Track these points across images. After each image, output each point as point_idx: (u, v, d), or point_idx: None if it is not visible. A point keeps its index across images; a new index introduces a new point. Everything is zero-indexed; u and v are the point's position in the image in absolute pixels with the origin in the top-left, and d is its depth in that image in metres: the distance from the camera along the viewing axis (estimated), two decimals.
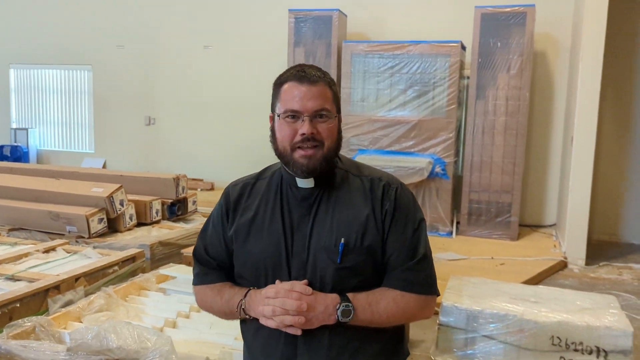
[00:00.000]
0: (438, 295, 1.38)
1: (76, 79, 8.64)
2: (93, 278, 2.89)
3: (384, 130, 5.75)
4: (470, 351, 2.95)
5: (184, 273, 2.91)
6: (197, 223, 4.42)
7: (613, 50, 5.34)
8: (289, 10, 6.22)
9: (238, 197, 1.44)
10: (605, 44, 4.72)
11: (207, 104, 7.60)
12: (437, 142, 5.58)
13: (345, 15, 6.32)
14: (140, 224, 4.15)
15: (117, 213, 3.89)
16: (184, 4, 7.59)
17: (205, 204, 5.51)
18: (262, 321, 1.31)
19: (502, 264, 4.67)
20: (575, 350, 2.77)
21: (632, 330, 2.70)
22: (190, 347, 2.25)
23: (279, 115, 1.32)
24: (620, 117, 5.82)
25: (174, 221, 4.37)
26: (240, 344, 1.81)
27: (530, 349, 2.84)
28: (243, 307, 1.35)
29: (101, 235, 3.83)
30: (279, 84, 1.35)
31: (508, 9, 5.35)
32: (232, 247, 1.43)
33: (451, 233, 5.61)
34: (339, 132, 1.36)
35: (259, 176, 1.47)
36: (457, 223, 5.76)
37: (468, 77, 5.71)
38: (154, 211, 4.19)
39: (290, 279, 1.32)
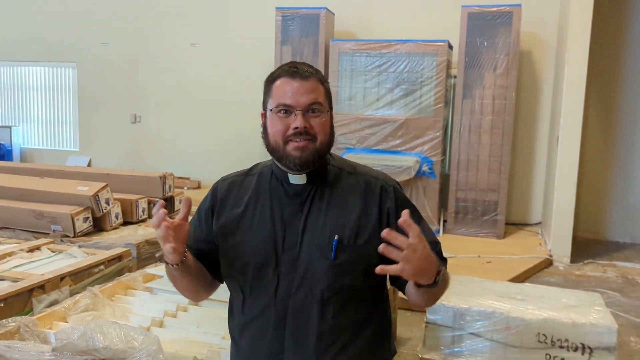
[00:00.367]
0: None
1: (61, 76, 8.55)
2: (78, 277, 2.86)
3: (371, 129, 5.76)
4: (457, 349, 2.97)
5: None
6: None
7: (598, 50, 5.40)
8: (276, 8, 6.20)
9: (226, 192, 1.43)
10: (590, 44, 4.77)
11: (193, 102, 7.55)
12: (424, 140, 5.60)
13: (333, 14, 6.32)
14: (126, 223, 4.11)
15: (102, 212, 3.85)
16: (170, 0, 7.54)
17: (192, 202, 5.47)
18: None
19: (489, 262, 4.70)
20: (561, 347, 2.80)
21: (616, 327, 2.73)
22: (177, 347, 2.23)
23: (271, 111, 1.32)
24: (605, 116, 5.89)
25: None
26: (228, 343, 1.80)
27: (517, 346, 2.87)
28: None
29: (87, 234, 3.78)
30: (270, 80, 1.35)
31: (494, 9, 5.39)
32: (216, 242, 1.42)
33: (438, 231, 5.64)
34: (332, 127, 1.36)
35: (248, 172, 1.47)
36: (444, 221, 5.79)
37: (455, 76, 5.74)
38: (140, 210, 4.15)
39: (279, 275, 1.32)
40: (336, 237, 1.29)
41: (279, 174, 1.38)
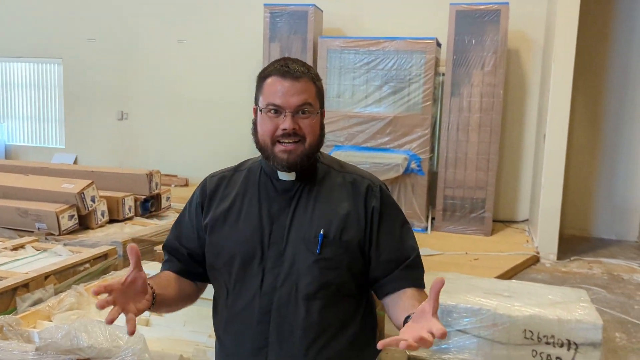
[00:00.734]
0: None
1: (46, 73, 8.45)
2: (63, 276, 2.82)
3: (359, 127, 5.76)
4: (445, 345, 2.98)
5: (156, 270, 2.86)
6: (170, 219, 4.35)
7: (585, 49, 5.44)
8: (264, 4, 6.17)
9: (215, 188, 1.44)
10: (577, 42, 4.80)
11: (181, 99, 7.50)
12: (413, 138, 5.61)
13: (321, 11, 6.30)
14: (112, 221, 4.07)
15: (88, 209, 3.81)
16: None
17: (179, 200, 5.43)
18: None
19: (476, 259, 4.72)
20: (547, 343, 2.82)
21: (601, 323, 2.76)
22: (163, 345, 2.21)
23: (261, 110, 1.32)
24: (592, 114, 5.93)
25: (147, 217, 4.30)
26: (214, 341, 1.79)
27: (504, 343, 2.88)
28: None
29: (72, 232, 3.74)
30: (262, 77, 1.35)
31: (482, 7, 5.40)
32: (205, 238, 1.42)
33: (426, 229, 5.65)
34: (322, 127, 1.37)
35: (237, 168, 1.48)
36: (432, 219, 5.81)
37: (443, 74, 5.76)
38: (126, 207, 4.11)
39: (264, 269, 1.32)
40: (322, 232, 1.30)
41: (268, 170, 1.39)
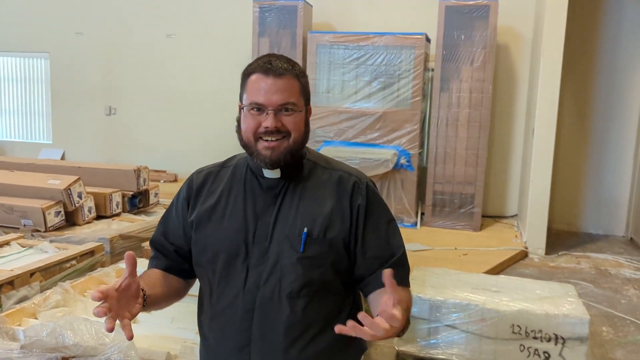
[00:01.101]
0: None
1: (33, 67, 8.35)
2: (49, 273, 2.80)
3: (349, 122, 5.75)
4: (434, 340, 2.99)
5: (144, 267, 2.84)
6: (158, 215, 4.32)
7: (573, 44, 5.47)
8: None
9: (201, 184, 1.43)
10: (565, 37, 4.82)
11: (169, 94, 7.45)
12: (402, 133, 5.61)
13: (311, 6, 6.28)
14: (100, 217, 4.05)
15: (75, 206, 3.78)
16: None
17: (168, 196, 5.41)
18: None
19: (465, 255, 4.73)
20: (535, 337, 2.84)
21: (588, 317, 2.78)
22: (151, 342, 2.20)
23: (244, 108, 1.32)
24: (580, 110, 5.97)
25: (135, 214, 4.28)
26: None
27: (492, 338, 2.90)
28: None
29: (58, 228, 3.71)
30: (246, 74, 1.34)
31: (472, 2, 5.41)
32: (191, 234, 1.41)
33: (416, 224, 5.66)
34: (306, 124, 1.35)
35: (223, 164, 1.47)
36: (422, 214, 5.82)
37: (432, 69, 5.75)
38: (114, 204, 4.08)
39: (248, 266, 1.31)
40: (305, 230, 1.29)
41: (254, 167, 1.38)
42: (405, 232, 5.39)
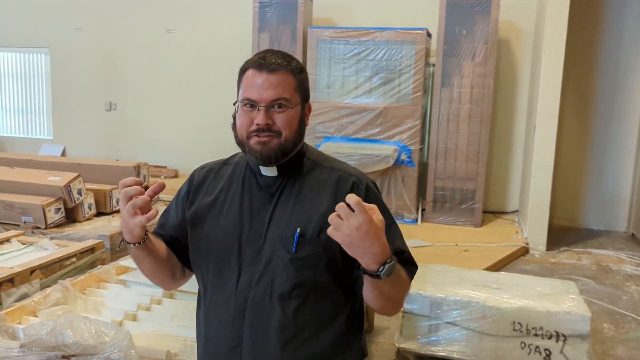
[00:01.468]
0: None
1: (33, 63, 8.33)
2: (49, 270, 2.79)
3: (349, 118, 5.73)
4: (434, 337, 2.98)
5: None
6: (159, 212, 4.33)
7: (575, 39, 5.44)
8: None
9: (202, 180, 1.42)
10: (567, 33, 4.80)
11: (170, 90, 7.44)
12: (403, 129, 5.59)
13: (311, 1, 6.25)
14: (100, 214, 4.04)
15: (75, 202, 3.77)
16: None
17: (168, 192, 5.38)
18: None
19: (466, 251, 4.73)
20: (536, 335, 2.83)
21: (589, 314, 2.77)
22: (150, 340, 2.19)
23: (239, 104, 1.30)
24: (582, 105, 5.94)
25: None
26: None
27: (493, 335, 2.89)
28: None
29: (59, 225, 3.71)
30: (242, 70, 1.32)
31: None
32: (187, 230, 1.40)
33: (416, 220, 5.65)
34: (301, 121, 1.30)
35: (226, 161, 1.46)
36: (423, 210, 5.81)
37: (434, 65, 5.73)
38: (114, 200, 4.08)
39: (241, 266, 1.30)
40: (298, 230, 1.26)
41: (253, 165, 1.36)
42: (405, 228, 5.41)
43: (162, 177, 7.04)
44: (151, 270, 1.41)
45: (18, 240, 3.22)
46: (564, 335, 2.80)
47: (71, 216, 3.82)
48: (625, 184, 5.90)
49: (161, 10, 7.33)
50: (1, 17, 8.04)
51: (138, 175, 4.25)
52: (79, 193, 3.80)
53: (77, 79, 7.87)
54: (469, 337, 2.93)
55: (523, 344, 2.85)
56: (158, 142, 7.53)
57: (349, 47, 5.70)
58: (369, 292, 1.23)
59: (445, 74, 5.56)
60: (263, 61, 1.27)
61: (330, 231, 1.10)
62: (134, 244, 1.29)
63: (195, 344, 1.97)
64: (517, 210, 6.16)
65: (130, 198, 1.23)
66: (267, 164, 1.29)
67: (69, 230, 3.61)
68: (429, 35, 5.65)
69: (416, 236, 5.03)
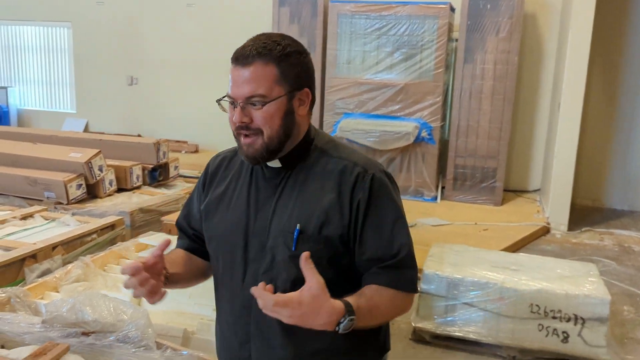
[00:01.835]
0: (417, 292, 1.30)
1: (56, 36, 8.39)
2: (71, 246, 2.85)
3: (370, 94, 5.67)
4: (450, 318, 2.98)
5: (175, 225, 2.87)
6: (178, 189, 4.36)
7: (603, 16, 5.26)
8: None
9: (215, 170, 1.38)
10: (595, 8, 4.64)
11: (191, 64, 7.43)
12: (424, 106, 5.52)
13: None
14: (120, 190, 4.09)
15: (96, 179, 3.82)
16: None
17: (189, 167, 5.44)
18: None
19: (486, 230, 4.69)
20: (554, 317, 2.81)
21: (609, 298, 2.73)
22: (168, 318, 2.23)
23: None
24: (608, 83, 5.78)
25: (155, 187, 4.31)
26: None
27: (510, 317, 2.88)
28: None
29: (80, 201, 3.76)
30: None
31: None
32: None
33: (436, 198, 5.61)
34: (287, 114, 1.19)
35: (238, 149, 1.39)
36: (442, 188, 5.76)
37: (456, 40, 5.61)
38: (134, 177, 4.12)
39: (247, 260, 1.26)
40: (298, 227, 1.20)
41: None
42: (425, 206, 5.39)
43: (183, 152, 7.08)
44: (183, 285, 1.41)
45: (41, 216, 3.28)
46: (582, 319, 2.77)
47: (92, 192, 3.88)
48: None
49: None
50: None
51: (158, 152, 4.27)
52: (100, 169, 3.84)
53: (98, 53, 7.91)
54: (486, 319, 2.92)
55: (540, 326, 2.84)
56: (179, 117, 7.55)
57: (370, 21, 5.60)
58: None
59: (468, 50, 5.45)
60: (239, 53, 1.19)
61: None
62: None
63: (212, 323, 2.00)
64: (539, 189, 6.08)
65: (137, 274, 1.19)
66: (255, 164, 1.24)
67: (90, 206, 3.66)
68: (452, 9, 5.52)
69: (435, 214, 5.00)
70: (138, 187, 4.17)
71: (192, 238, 1.43)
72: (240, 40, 1.31)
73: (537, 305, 2.84)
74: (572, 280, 2.90)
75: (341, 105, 5.76)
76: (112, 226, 3.10)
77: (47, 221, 3.21)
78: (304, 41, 5.72)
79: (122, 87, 7.88)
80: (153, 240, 2.94)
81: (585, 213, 5.56)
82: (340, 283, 1.22)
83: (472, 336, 2.91)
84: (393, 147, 5.51)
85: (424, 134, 5.51)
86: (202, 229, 1.38)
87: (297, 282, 1.17)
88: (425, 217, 4.84)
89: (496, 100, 5.44)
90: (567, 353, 2.79)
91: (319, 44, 5.83)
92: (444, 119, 5.73)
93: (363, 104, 5.70)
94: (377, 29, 5.60)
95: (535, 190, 6.11)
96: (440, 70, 5.46)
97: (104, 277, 2.53)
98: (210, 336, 2.04)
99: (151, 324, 1.93)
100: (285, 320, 1.08)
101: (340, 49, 5.74)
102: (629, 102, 5.73)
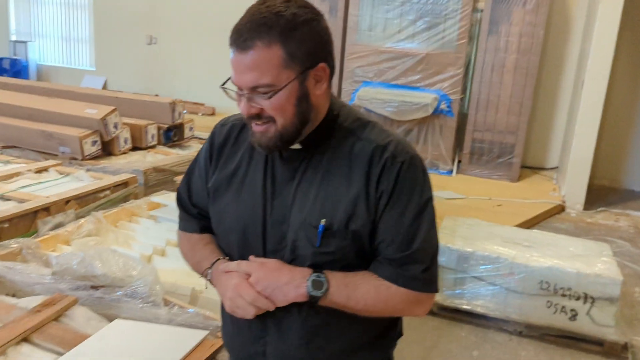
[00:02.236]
0: (436, 292, 1.11)
1: None
2: (84, 202, 2.87)
3: (390, 62, 5.57)
4: (459, 291, 2.97)
5: (175, 201, 2.89)
6: (193, 150, 4.37)
7: None
8: None
9: (224, 141, 1.20)
10: None
11: (211, 25, 7.35)
12: (445, 77, 5.42)
13: None
14: (135, 149, 4.10)
15: (111, 136, 3.82)
16: None
17: (205, 129, 5.42)
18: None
19: (500, 205, 4.65)
20: (563, 295, 2.79)
21: (621, 278, 2.70)
22: (177, 277, 2.24)
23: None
24: (635, 63, 5.61)
25: (169, 147, 4.32)
26: None
27: (519, 292, 2.86)
28: (209, 277, 1.18)
29: (95, 157, 3.78)
30: None
31: None
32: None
33: (451, 171, 5.56)
34: (301, 98, 1.03)
35: None
36: (459, 162, 5.70)
37: (481, 10, 5.46)
38: (149, 136, 4.12)
39: (265, 251, 1.12)
40: (322, 223, 1.05)
41: None
42: (440, 179, 5.34)
43: (200, 114, 7.07)
44: None
45: (56, 170, 3.31)
46: (592, 298, 2.75)
47: (107, 149, 3.89)
48: None
49: None
50: None
51: (173, 112, 4.26)
52: (115, 127, 3.84)
53: (118, 10, 7.85)
54: (495, 293, 2.91)
55: (549, 303, 2.82)
56: (197, 78, 7.52)
57: None
58: None
59: (493, 21, 5.31)
60: (236, 34, 1.01)
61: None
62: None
63: None
64: (556, 167, 5.98)
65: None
66: (269, 152, 1.10)
67: (105, 163, 3.67)
68: None
69: (450, 188, 4.96)
70: (153, 147, 4.18)
71: (198, 217, 1.27)
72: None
73: (547, 282, 2.82)
74: (585, 259, 2.86)
75: (360, 74, 5.67)
76: (125, 184, 3.11)
77: (62, 176, 3.23)
78: (325, 6, 5.61)
79: (142, 46, 7.84)
80: (165, 199, 2.95)
81: (602, 193, 5.48)
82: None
83: (479, 310, 2.91)
84: (411, 118, 5.44)
85: (443, 106, 5.42)
86: (206, 207, 1.23)
87: None
88: (440, 190, 4.80)
89: (518, 74, 5.32)
90: (574, 331, 2.78)
91: (341, 9, 5.72)
92: (464, 91, 5.62)
93: (382, 73, 5.62)
94: None
95: (552, 168, 6.02)
96: (463, 41, 5.34)
97: (115, 233, 2.55)
98: (218, 296, 2.06)
99: (159, 281, 1.94)
100: (255, 285, 1.05)
101: (362, 15, 5.62)
102: None
